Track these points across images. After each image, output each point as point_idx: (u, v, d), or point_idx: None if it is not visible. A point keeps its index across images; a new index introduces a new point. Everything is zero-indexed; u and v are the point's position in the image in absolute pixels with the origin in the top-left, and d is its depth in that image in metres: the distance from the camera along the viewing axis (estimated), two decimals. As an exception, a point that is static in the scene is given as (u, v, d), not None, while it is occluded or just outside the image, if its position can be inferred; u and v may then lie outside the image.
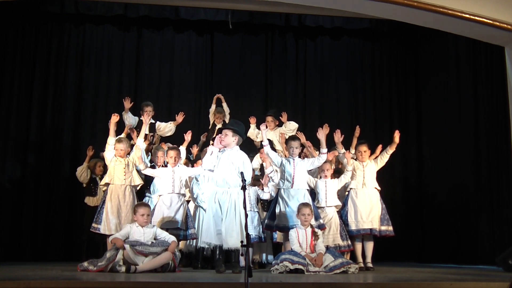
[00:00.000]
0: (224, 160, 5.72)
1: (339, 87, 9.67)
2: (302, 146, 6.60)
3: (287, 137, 7.16)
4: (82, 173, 7.63)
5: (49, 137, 8.67)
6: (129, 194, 6.41)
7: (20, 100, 8.62)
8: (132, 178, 6.46)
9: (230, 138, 5.78)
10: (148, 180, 6.84)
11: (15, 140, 8.51)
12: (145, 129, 6.86)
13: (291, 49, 9.67)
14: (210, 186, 6.33)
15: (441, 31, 7.22)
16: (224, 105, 8.46)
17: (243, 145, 8.11)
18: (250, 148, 8.06)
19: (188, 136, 6.86)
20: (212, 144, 7.30)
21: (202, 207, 6.50)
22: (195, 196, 6.53)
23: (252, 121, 8.13)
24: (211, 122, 8.36)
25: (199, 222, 6.62)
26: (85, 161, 7.69)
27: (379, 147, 6.69)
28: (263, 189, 6.33)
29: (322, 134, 6.26)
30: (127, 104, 7.57)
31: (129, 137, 7.21)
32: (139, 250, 5.35)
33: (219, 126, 8.15)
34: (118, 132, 6.97)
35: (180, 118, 7.90)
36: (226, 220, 5.55)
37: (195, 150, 7.50)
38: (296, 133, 6.67)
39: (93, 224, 6.33)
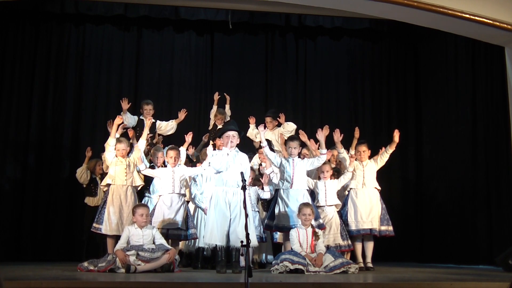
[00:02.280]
0: (233, 161, 5.71)
1: (339, 87, 9.67)
2: (301, 146, 6.59)
3: (286, 138, 7.16)
4: (82, 174, 7.64)
5: (49, 137, 8.67)
6: (131, 194, 6.41)
7: (20, 100, 8.62)
8: (133, 179, 6.47)
9: (236, 140, 5.79)
10: (148, 181, 6.84)
11: (15, 140, 8.51)
12: (147, 130, 6.84)
13: (291, 49, 9.67)
14: (209, 186, 6.34)
15: (441, 31, 7.22)
16: (227, 106, 8.43)
17: (243, 145, 8.14)
18: (250, 148, 8.08)
19: (189, 138, 6.84)
20: (213, 145, 7.34)
21: (200, 207, 6.50)
22: (193, 196, 6.53)
23: (252, 121, 8.12)
24: (212, 123, 8.34)
25: (198, 222, 6.63)
26: (84, 163, 7.69)
27: (382, 150, 6.67)
28: (263, 189, 6.34)
29: (321, 135, 6.26)
30: (125, 105, 7.55)
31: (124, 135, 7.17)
32: (142, 259, 5.35)
33: (219, 127, 8.14)
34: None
35: (182, 115, 7.90)
36: (241, 220, 5.51)
37: (191, 151, 7.40)
38: (299, 132, 6.66)
39: (94, 225, 6.32)
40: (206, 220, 5.78)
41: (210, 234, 5.55)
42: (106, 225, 6.21)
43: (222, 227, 5.53)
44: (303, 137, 6.50)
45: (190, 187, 6.58)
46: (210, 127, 8.32)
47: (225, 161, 5.67)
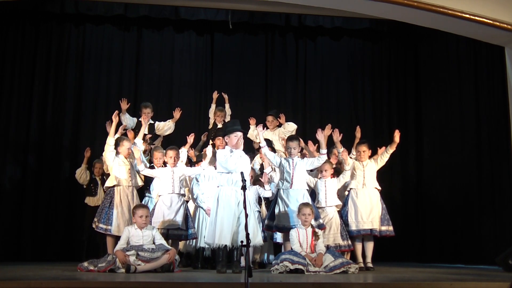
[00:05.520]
0: (241, 161, 5.71)
1: (339, 87, 9.66)
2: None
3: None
4: (81, 174, 7.65)
5: (49, 137, 8.67)
6: (136, 195, 6.44)
7: (20, 100, 8.62)
8: (135, 180, 6.47)
9: (242, 140, 5.81)
10: (148, 180, 6.83)
11: (15, 140, 8.51)
12: (143, 130, 6.83)
13: (291, 49, 9.67)
14: (210, 186, 6.33)
15: (441, 31, 7.22)
16: (227, 106, 8.42)
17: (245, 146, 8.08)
18: (249, 148, 8.08)
19: (190, 139, 6.84)
20: (212, 144, 7.34)
21: (202, 207, 6.49)
22: (195, 196, 6.52)
23: (252, 122, 8.10)
24: (212, 121, 8.32)
25: (200, 222, 6.62)
26: (83, 163, 7.70)
27: (383, 149, 6.66)
28: (264, 188, 6.35)
29: (321, 135, 6.24)
30: (124, 105, 7.55)
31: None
32: (142, 259, 5.35)
33: (219, 126, 8.12)
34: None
35: (177, 114, 7.87)
36: (250, 219, 5.49)
37: (191, 153, 7.36)
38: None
39: (101, 225, 6.25)
40: (213, 220, 5.62)
41: (219, 234, 5.47)
42: (117, 226, 6.18)
43: (232, 227, 5.51)
44: (301, 143, 6.53)
45: (191, 187, 6.58)
46: (210, 126, 8.29)
47: (238, 161, 5.67)
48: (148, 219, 5.80)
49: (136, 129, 7.47)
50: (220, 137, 7.22)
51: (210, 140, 7.78)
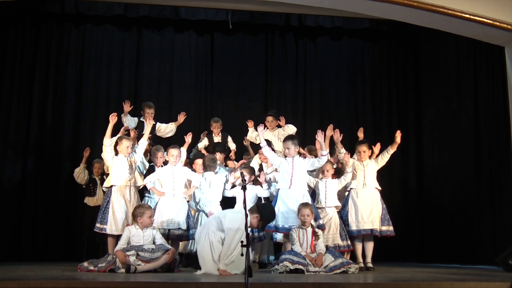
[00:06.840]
0: None
1: (339, 87, 9.66)
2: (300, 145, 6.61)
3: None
4: (79, 174, 7.65)
5: (49, 137, 8.67)
6: (134, 194, 6.41)
7: (20, 100, 8.61)
8: (135, 179, 6.47)
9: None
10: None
11: (15, 140, 8.50)
12: (148, 131, 6.83)
13: (291, 49, 9.66)
14: (212, 191, 6.37)
15: (441, 31, 7.22)
16: (229, 138, 8.20)
17: (243, 147, 8.11)
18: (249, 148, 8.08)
19: (188, 138, 6.84)
20: (218, 151, 7.35)
21: (204, 211, 6.49)
22: (197, 200, 6.53)
23: (250, 124, 8.09)
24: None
25: (199, 224, 6.62)
26: (81, 163, 7.70)
27: (378, 146, 6.66)
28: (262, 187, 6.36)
29: (321, 136, 6.22)
30: (127, 107, 7.51)
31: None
32: (142, 259, 5.35)
33: (217, 139, 8.01)
34: (114, 133, 6.86)
35: (181, 118, 7.86)
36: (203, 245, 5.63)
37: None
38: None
39: (98, 225, 6.23)
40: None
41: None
42: (111, 225, 6.17)
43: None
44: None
45: (193, 192, 6.60)
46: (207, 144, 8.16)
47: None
48: (152, 219, 5.83)
49: (137, 129, 7.47)
50: (218, 152, 7.22)
51: (217, 153, 7.69)
